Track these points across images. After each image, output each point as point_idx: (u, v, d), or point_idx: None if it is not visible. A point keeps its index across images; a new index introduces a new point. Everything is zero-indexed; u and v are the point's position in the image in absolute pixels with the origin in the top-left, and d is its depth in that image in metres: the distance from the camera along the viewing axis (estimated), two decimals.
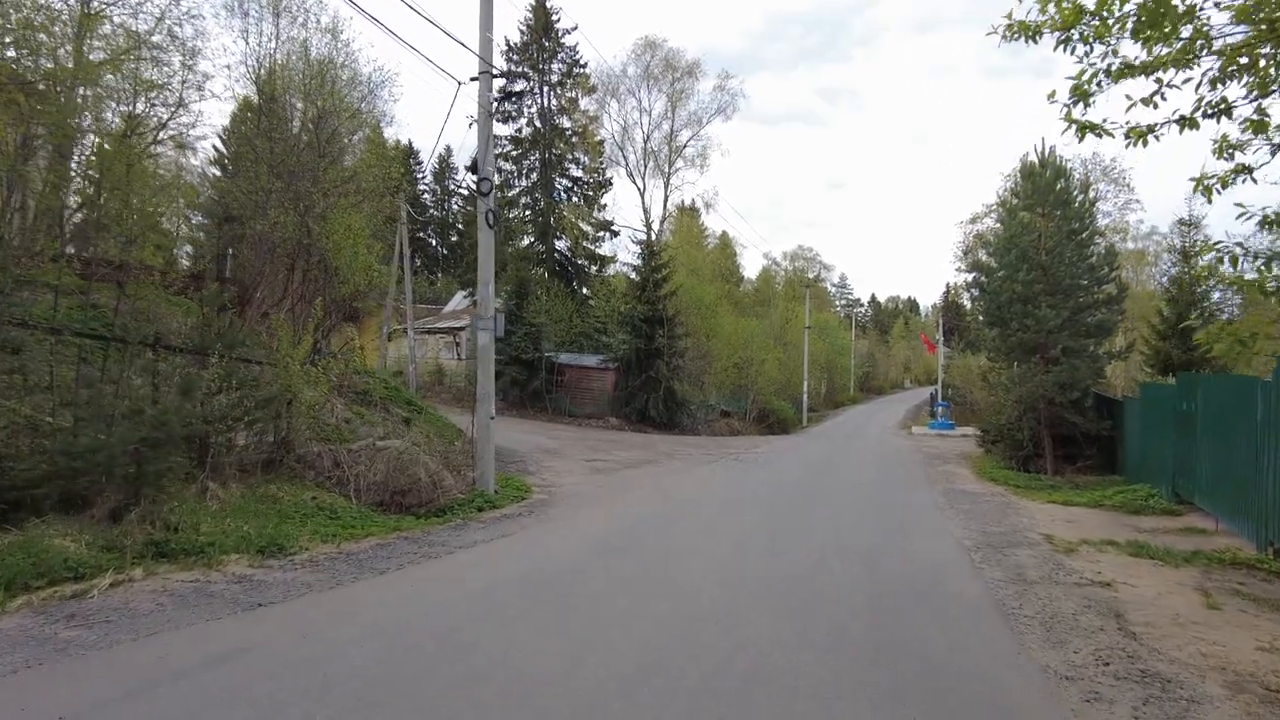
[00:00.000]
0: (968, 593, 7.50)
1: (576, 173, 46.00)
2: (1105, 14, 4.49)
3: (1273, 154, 5.07)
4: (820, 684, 4.94)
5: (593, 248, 45.91)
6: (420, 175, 68.83)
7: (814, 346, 49.50)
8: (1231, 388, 11.45)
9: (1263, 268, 5.64)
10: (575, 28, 45.27)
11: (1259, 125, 4.79)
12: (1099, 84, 4.37)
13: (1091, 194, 25.87)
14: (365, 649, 5.45)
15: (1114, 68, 4.32)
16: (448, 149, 68.88)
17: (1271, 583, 8.16)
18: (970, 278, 27.09)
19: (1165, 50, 4.27)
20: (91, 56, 13.76)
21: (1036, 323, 19.13)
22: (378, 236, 23.51)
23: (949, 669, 5.25)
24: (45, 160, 13.97)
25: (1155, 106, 4.31)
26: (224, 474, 10.04)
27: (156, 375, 9.60)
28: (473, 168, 13.35)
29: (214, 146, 34.61)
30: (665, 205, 51.78)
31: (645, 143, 49.33)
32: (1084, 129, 4.23)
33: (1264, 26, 4.26)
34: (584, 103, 46.21)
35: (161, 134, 16.19)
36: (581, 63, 44.81)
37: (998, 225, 28.95)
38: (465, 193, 67.13)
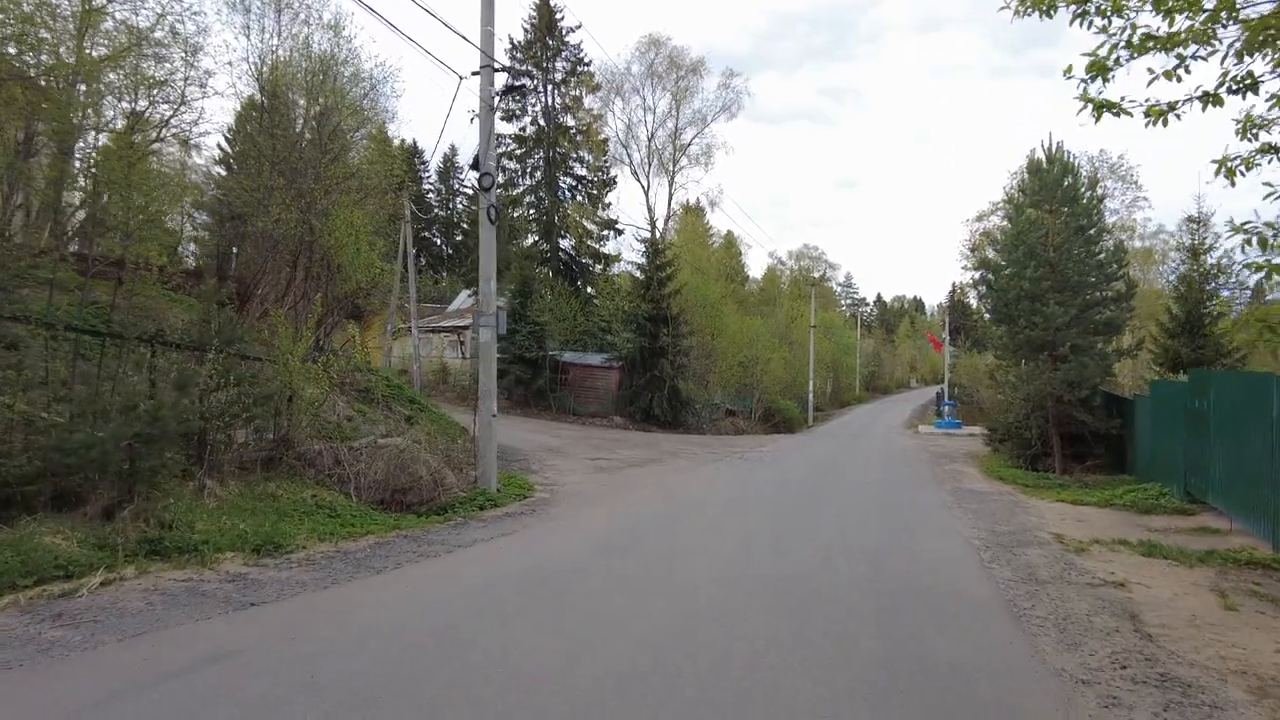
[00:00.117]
0: (977, 593, 7.32)
1: (581, 171, 45.92)
2: None
3: None
4: (824, 686, 4.79)
5: (597, 246, 45.80)
6: (425, 174, 68.70)
7: (819, 346, 49.29)
8: (1245, 384, 11.25)
9: None
10: (579, 26, 45.28)
11: None
12: (1118, 59, 4.16)
13: (1099, 191, 25.65)
14: (359, 648, 5.32)
15: (1135, 39, 4.10)
16: (452, 148, 68.80)
17: None
18: (977, 275, 26.86)
19: (1188, 22, 4.06)
20: (93, 53, 13.71)
21: (1044, 320, 18.92)
22: (381, 234, 23.43)
23: (960, 672, 5.09)
24: (48, 157, 13.93)
25: (1179, 80, 4.09)
26: (222, 471, 9.91)
27: (154, 371, 9.49)
28: (474, 164, 13.19)
29: (219, 145, 34.62)
30: (670, 204, 51.69)
31: (649, 141, 49.16)
32: (1100, 108, 4.02)
33: None
34: (588, 101, 46.14)
35: (164, 131, 16.16)
36: (585, 61, 44.72)
37: (1004, 223, 28.66)
38: (470, 192, 67.06)
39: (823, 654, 5.37)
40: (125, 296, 10.38)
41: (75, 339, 9.13)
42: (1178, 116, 4.28)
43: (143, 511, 7.24)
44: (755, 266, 73.72)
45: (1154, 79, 4.14)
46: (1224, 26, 4.07)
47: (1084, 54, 4.10)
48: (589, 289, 43.95)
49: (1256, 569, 8.55)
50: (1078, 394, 18.58)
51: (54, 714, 4.13)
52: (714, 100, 51.78)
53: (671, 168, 49.70)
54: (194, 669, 4.77)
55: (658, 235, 42.95)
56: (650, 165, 49.40)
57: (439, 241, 71.09)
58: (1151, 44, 4.02)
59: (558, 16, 43.72)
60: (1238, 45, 4.19)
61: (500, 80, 13.60)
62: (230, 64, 26.14)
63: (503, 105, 43.90)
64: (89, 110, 14.12)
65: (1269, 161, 4.76)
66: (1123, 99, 4.02)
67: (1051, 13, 4.56)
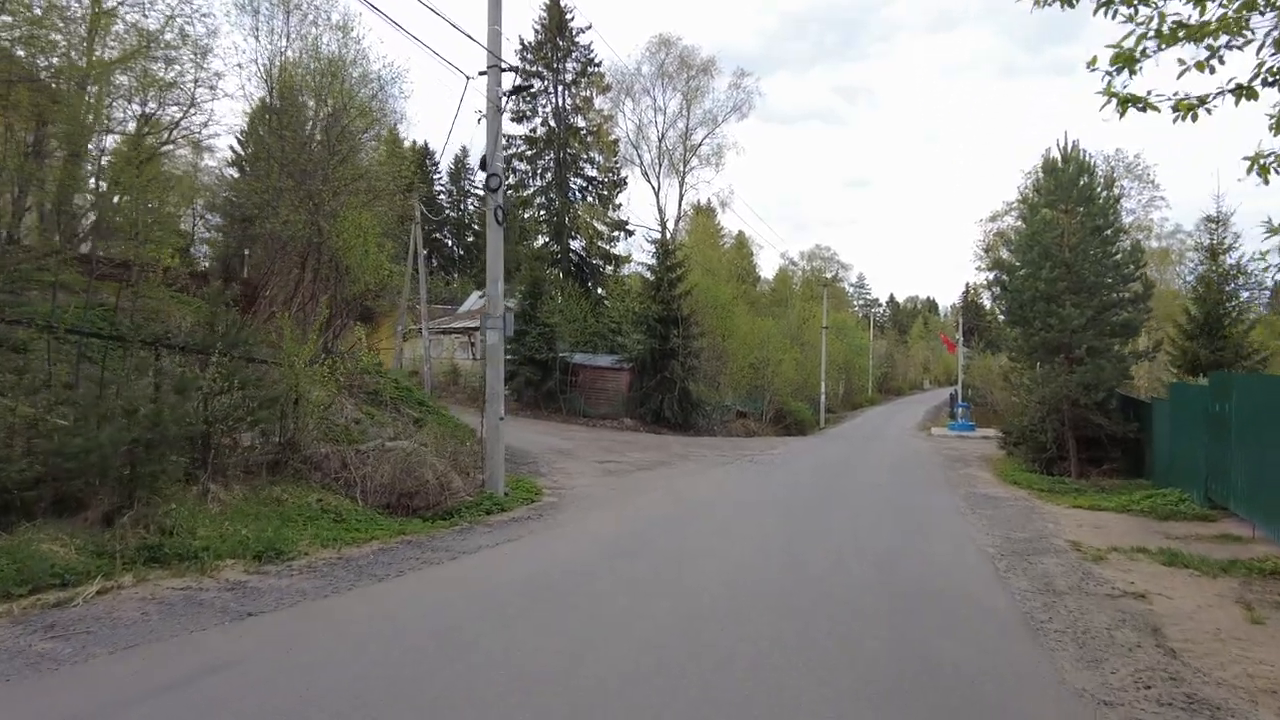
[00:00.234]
0: (993, 604, 7.12)
1: (591, 172, 45.80)
2: None
3: None
4: (830, 704, 4.63)
5: (607, 247, 45.67)
6: (436, 176, 68.90)
7: (831, 347, 48.96)
8: (1268, 387, 10.97)
9: None
10: (589, 26, 44.96)
11: None
12: (1144, 50, 3.93)
13: (1116, 190, 25.28)
14: (358, 655, 5.22)
15: (1165, 28, 3.87)
16: (464, 149, 68.78)
17: None
18: (991, 276, 26.51)
19: (1221, 10, 3.84)
20: (103, 55, 13.67)
21: (1060, 321, 18.62)
22: (390, 236, 23.38)
23: (976, 689, 4.90)
24: (59, 159, 13.91)
25: (1211, 71, 3.86)
26: (227, 475, 9.82)
27: (159, 375, 9.41)
28: (482, 164, 13.08)
29: (231, 147, 34.77)
30: (680, 204, 51.45)
31: (660, 141, 49.00)
32: (1125, 103, 3.79)
33: None
34: (598, 101, 46.02)
35: (174, 133, 16.14)
36: (596, 61, 44.60)
37: (1019, 223, 28.34)
38: (481, 193, 66.93)
39: (838, 671, 5.20)
40: (130, 299, 10.31)
41: (78, 342, 9.06)
42: (1208, 111, 4.02)
43: (143, 517, 7.15)
44: (767, 267, 73.58)
45: (1184, 70, 3.91)
46: (1260, 14, 3.85)
47: (1108, 45, 3.90)
48: (599, 290, 43.81)
49: None
50: (1094, 397, 18.27)
51: None
52: (725, 100, 51.36)
53: (682, 168, 49.57)
54: (186, 682, 4.64)
55: (668, 236, 42.85)
56: (661, 166, 49.29)
57: (450, 243, 71.18)
58: (1182, 33, 3.79)
59: (568, 17, 43.66)
60: (1277, 34, 3.96)
61: (508, 80, 13.49)
62: (240, 66, 26.12)
63: (512, 106, 43.95)
64: (99, 113, 14.12)
65: None
66: (1149, 93, 3.80)
67: (1074, 2, 4.35)
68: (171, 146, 17.94)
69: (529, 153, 44.45)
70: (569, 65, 44.18)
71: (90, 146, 14.57)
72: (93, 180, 14.58)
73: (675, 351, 31.11)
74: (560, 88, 44.13)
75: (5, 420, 7.49)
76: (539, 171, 44.85)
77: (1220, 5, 3.83)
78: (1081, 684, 4.94)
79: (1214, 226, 23.73)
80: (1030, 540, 10.57)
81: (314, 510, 9.88)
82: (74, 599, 5.91)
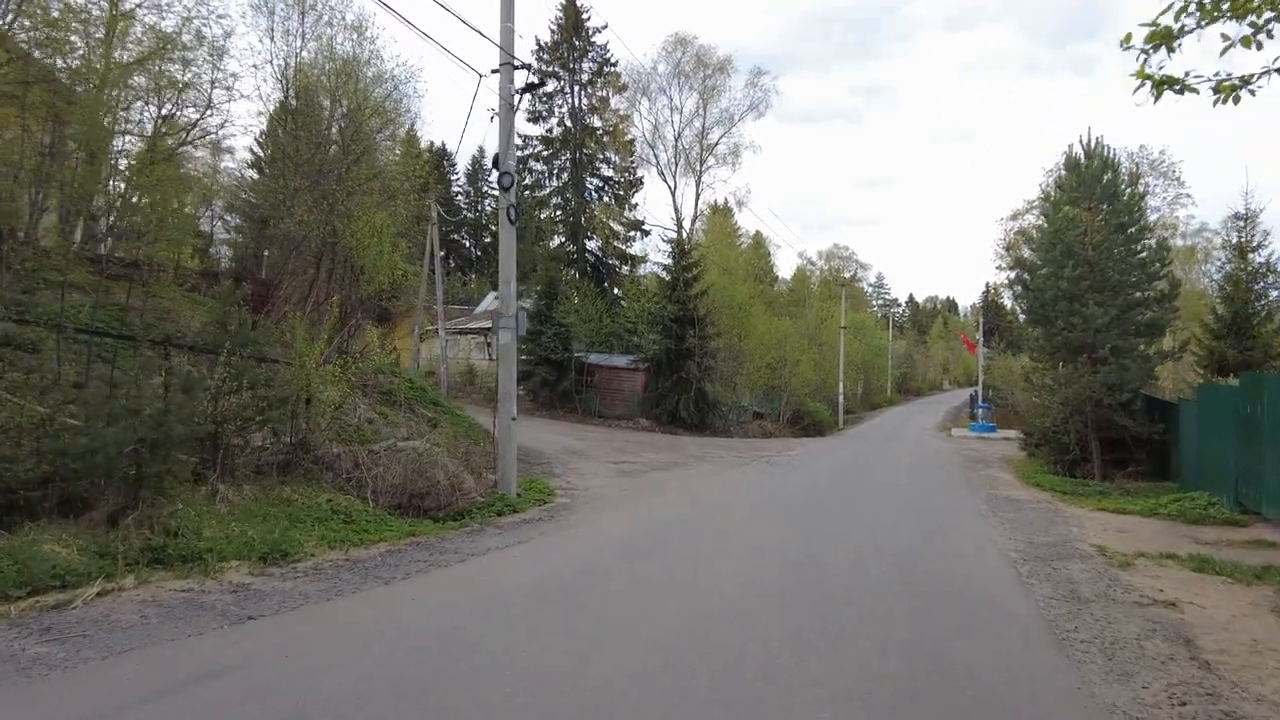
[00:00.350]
0: (1015, 610, 6.88)
1: (607, 172, 45.67)
2: None
3: None
4: (844, 708, 4.46)
5: (623, 247, 45.53)
6: (454, 177, 69.06)
7: (850, 347, 48.52)
8: None
9: None
10: (605, 26, 44.81)
11: None
12: (1183, 26, 3.66)
13: (1140, 187, 24.78)
14: (360, 661, 5.09)
15: (1207, 1, 3.59)
16: (480, 150, 68.82)
17: None
18: (1012, 275, 26.09)
19: None
20: (121, 57, 13.68)
21: (1083, 321, 18.26)
22: (405, 235, 23.36)
23: (998, 701, 4.69)
24: (77, 160, 13.94)
25: (1259, 47, 3.60)
26: (236, 475, 9.75)
27: (169, 374, 9.35)
28: (494, 163, 12.97)
29: (250, 149, 34.98)
30: (697, 204, 51.11)
31: (676, 141, 48.69)
32: (1161, 85, 3.54)
33: None
34: (614, 101, 45.86)
35: (191, 134, 16.16)
36: (612, 61, 44.46)
37: (1040, 221, 27.88)
38: (498, 194, 67.14)
39: (856, 682, 5.01)
40: (140, 298, 10.28)
41: (87, 341, 9.02)
42: (1251, 93, 3.71)
43: (147, 518, 7.06)
44: (784, 267, 72.94)
45: (1229, 46, 3.65)
46: None
47: (1143, 24, 3.66)
48: (615, 290, 43.66)
49: None
50: (1118, 398, 17.89)
51: None
52: (741, 99, 50.87)
53: (698, 168, 49.25)
54: (179, 688, 4.52)
55: (684, 236, 42.60)
56: (677, 165, 48.99)
57: (468, 244, 71.33)
58: (1226, 5, 3.53)
59: (584, 17, 43.57)
60: None
61: (520, 78, 13.34)
62: (255, 67, 26.18)
63: (528, 107, 43.95)
64: (116, 114, 14.14)
65: None
66: (1187, 74, 3.55)
67: None
68: (189, 147, 18.02)
69: (545, 153, 44.41)
70: (585, 65, 44.09)
71: (107, 147, 14.62)
72: (109, 181, 14.61)
73: (691, 351, 30.89)
74: (576, 88, 44.06)
75: (13, 420, 7.44)
76: (555, 172, 44.81)
77: None
78: (1112, 698, 4.70)
79: (1242, 224, 23.20)
80: (1053, 544, 10.30)
81: (323, 511, 9.78)
82: (73, 601, 5.81)
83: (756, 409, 36.27)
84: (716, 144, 49.20)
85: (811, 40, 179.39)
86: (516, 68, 13.16)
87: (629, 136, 46.51)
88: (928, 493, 15.75)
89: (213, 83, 15.21)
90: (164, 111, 14.87)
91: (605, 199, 45.40)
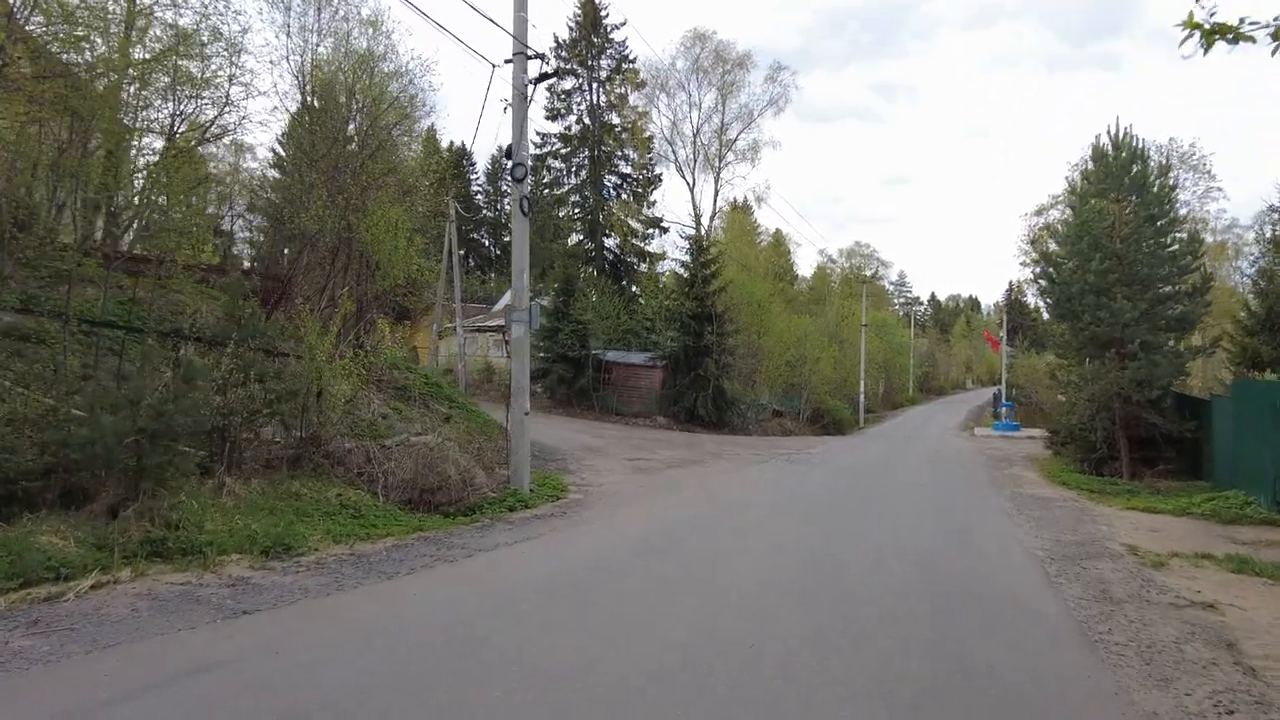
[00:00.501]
0: (1044, 611, 6.58)
1: (625, 169, 45.49)
2: None
3: None
4: (864, 707, 4.23)
5: (641, 245, 45.33)
6: (474, 176, 69.15)
7: (871, 345, 47.94)
8: None
9: None
10: (624, 23, 44.70)
11: None
12: None
13: (1170, 179, 24.14)
14: (361, 657, 4.93)
15: None
16: (500, 150, 68.92)
17: None
18: (1037, 270, 25.48)
19: None
20: (139, 54, 13.66)
21: (1111, 315, 17.78)
22: (422, 231, 23.28)
23: (1030, 707, 4.42)
24: (92, 155, 13.94)
25: None
26: (245, 469, 9.64)
27: (177, 366, 9.25)
28: (507, 153, 12.80)
29: (272, 149, 35.14)
30: (715, 200, 50.75)
31: (695, 137, 48.38)
32: (1212, 35, 3.22)
33: None
34: (633, 98, 45.65)
35: (208, 132, 16.14)
36: (630, 58, 44.30)
37: (1065, 216, 27.33)
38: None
39: (880, 684, 4.75)
40: (148, 290, 10.19)
41: (93, 332, 8.93)
42: None
43: (147, 510, 6.93)
44: (805, 265, 72.60)
45: None
46: None
47: None
48: (633, 287, 43.46)
49: None
50: (1147, 394, 17.40)
51: None
52: (761, 94, 50.59)
53: (717, 164, 48.91)
54: (167, 683, 4.36)
55: (703, 232, 42.26)
56: (695, 162, 48.70)
57: (487, 242, 71.44)
58: None
59: (602, 14, 43.42)
60: None
61: (534, 68, 13.16)
62: (272, 63, 26.23)
63: (547, 105, 43.94)
64: (131, 110, 14.12)
65: None
66: (1242, 21, 3.21)
67: None
68: (209, 144, 18.00)
69: (564, 151, 44.31)
70: (604, 62, 43.92)
71: (126, 144, 14.61)
72: (130, 178, 14.60)
73: (709, 349, 30.58)
74: (595, 85, 43.89)
75: (17, 411, 7.35)
76: (574, 169, 44.69)
77: None
78: (1153, 706, 4.39)
79: (1277, 216, 22.56)
80: (1082, 543, 9.95)
81: (332, 505, 9.65)
82: (65, 594, 5.67)
83: (776, 407, 35.88)
84: (735, 140, 48.88)
85: (829, 38, 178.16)
86: (530, 57, 12.98)
87: (647, 133, 46.29)
88: (951, 491, 15.39)
89: (230, 79, 15.18)
90: (182, 108, 14.87)
91: (623, 196, 45.21)
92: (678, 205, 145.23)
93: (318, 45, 20.59)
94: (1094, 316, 18.18)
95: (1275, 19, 3.15)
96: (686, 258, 34.69)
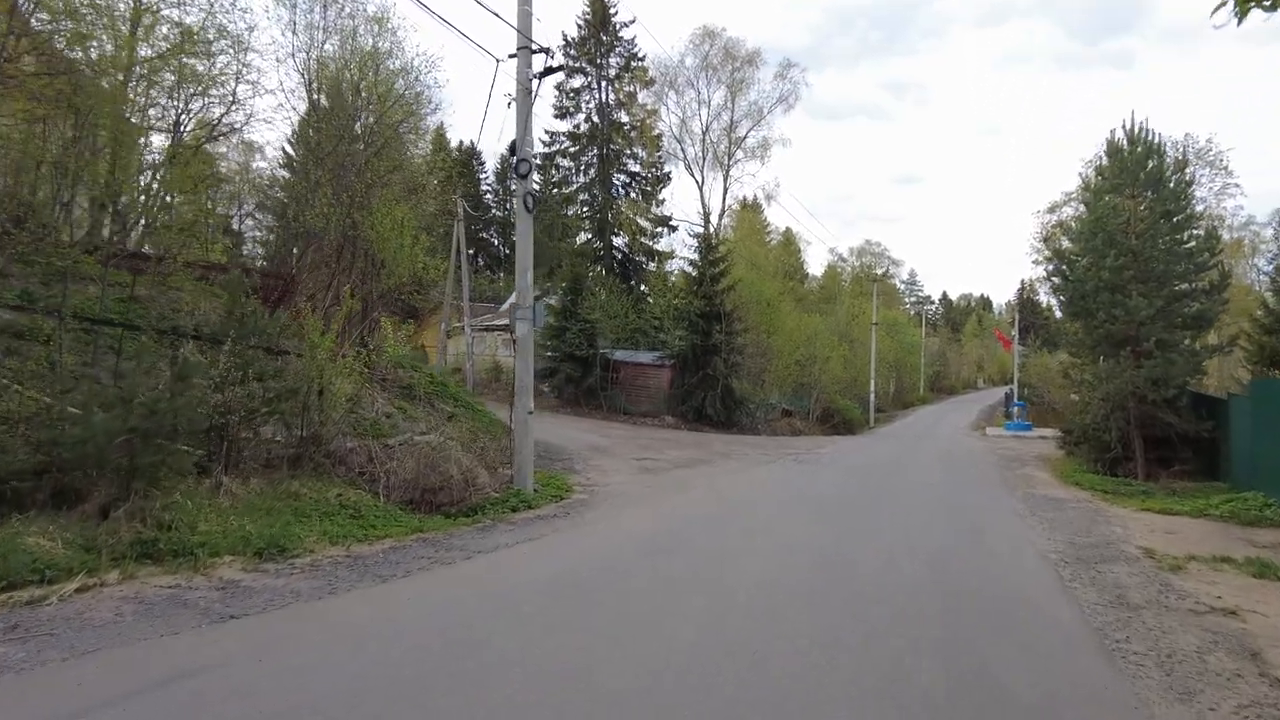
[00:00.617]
0: (1057, 616, 6.36)
1: (634, 167, 45.28)
2: None
3: None
4: (874, 708, 4.05)
5: (650, 243, 45.12)
6: (482, 176, 69.14)
7: (882, 344, 47.58)
8: None
9: None
10: (633, 20, 44.51)
11: None
12: None
13: (1187, 174, 23.76)
14: (354, 660, 4.79)
15: None
16: (511, 147, 69.02)
17: None
18: (1050, 268, 25.13)
19: None
20: (144, 51, 13.58)
21: (1126, 313, 17.46)
22: (429, 230, 23.18)
23: (1039, 715, 4.22)
24: (98, 152, 13.88)
25: None
26: (244, 468, 9.52)
27: (174, 364, 9.13)
28: (511, 149, 12.65)
29: (283, 149, 35.17)
30: (724, 198, 50.48)
31: (704, 135, 48.15)
32: (1246, 3, 3.01)
33: None
34: (642, 96, 45.45)
35: (215, 130, 16.08)
36: (639, 55, 44.08)
37: (1079, 212, 27.00)
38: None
39: (890, 695, 4.56)
40: (148, 287, 10.09)
41: (89, 330, 8.82)
42: None
43: (139, 510, 6.80)
44: (815, 264, 72.21)
45: None
46: None
47: None
48: (641, 286, 43.27)
49: None
50: (1163, 393, 17.06)
51: None
52: (770, 92, 50.30)
53: (726, 162, 48.64)
54: (148, 690, 4.22)
55: (712, 231, 42.05)
56: (705, 160, 48.46)
57: (496, 242, 71.39)
58: None
59: (611, 12, 43.23)
60: None
61: (539, 63, 12.99)
62: (279, 60, 26.19)
63: (555, 103, 43.77)
64: (146, 110, 14.07)
65: None
66: None
67: None
68: (216, 143, 17.94)
69: (572, 149, 44.14)
70: (612, 60, 43.74)
71: (132, 142, 14.55)
72: (137, 177, 14.54)
73: (718, 348, 30.36)
74: (604, 83, 43.70)
75: (9, 409, 7.24)
76: (582, 168, 44.50)
77: None
78: None
79: None
80: (1096, 545, 9.71)
81: (332, 506, 9.51)
82: (49, 597, 5.53)
83: (785, 406, 35.63)
84: (745, 138, 48.61)
85: (839, 36, 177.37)
86: (534, 52, 12.82)
87: (656, 131, 46.08)
88: (962, 491, 15.14)
89: (237, 77, 15.11)
90: (189, 106, 14.80)
91: (632, 195, 45.01)
92: (687, 203, 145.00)
93: (324, 42, 20.54)
94: (1108, 314, 17.87)
95: None
96: (695, 256, 34.46)
